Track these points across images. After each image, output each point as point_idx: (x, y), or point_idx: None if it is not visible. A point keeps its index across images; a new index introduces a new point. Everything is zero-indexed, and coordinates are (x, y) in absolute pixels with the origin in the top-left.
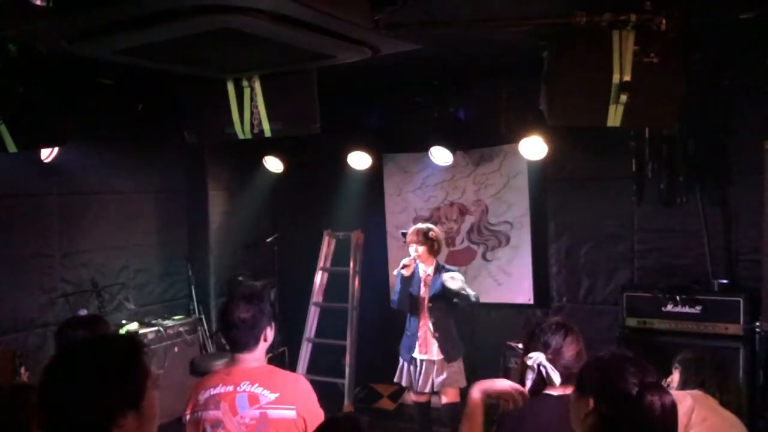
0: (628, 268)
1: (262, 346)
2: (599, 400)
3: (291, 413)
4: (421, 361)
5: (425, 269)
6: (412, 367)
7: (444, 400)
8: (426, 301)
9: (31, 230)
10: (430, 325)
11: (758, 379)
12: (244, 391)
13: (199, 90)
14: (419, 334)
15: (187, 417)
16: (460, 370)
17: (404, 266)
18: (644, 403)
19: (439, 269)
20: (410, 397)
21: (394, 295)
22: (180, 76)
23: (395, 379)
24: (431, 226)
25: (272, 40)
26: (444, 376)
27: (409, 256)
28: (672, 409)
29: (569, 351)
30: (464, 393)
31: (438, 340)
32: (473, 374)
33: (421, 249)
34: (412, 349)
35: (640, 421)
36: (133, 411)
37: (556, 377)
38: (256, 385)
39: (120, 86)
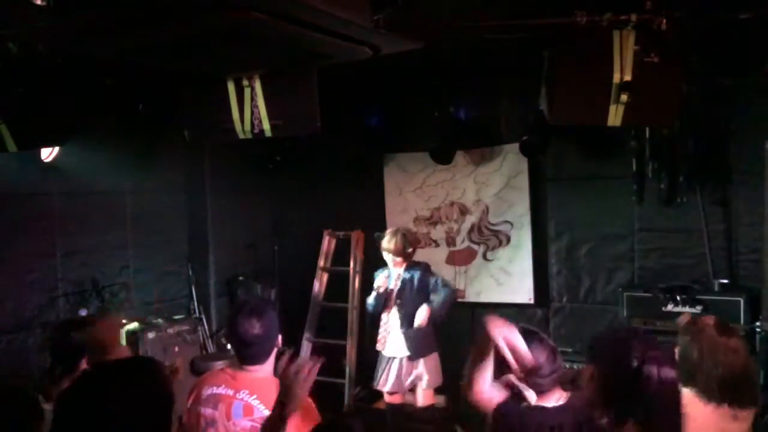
0: (628, 268)
1: (272, 356)
2: (603, 368)
3: None
4: (389, 359)
5: (398, 271)
6: (382, 366)
7: (419, 402)
8: (394, 296)
9: (31, 230)
10: (398, 319)
11: (758, 380)
12: (242, 399)
13: (199, 89)
14: (382, 330)
15: (189, 405)
16: (436, 368)
17: (379, 287)
18: (643, 373)
19: (410, 267)
20: (385, 398)
21: (371, 303)
22: (180, 76)
23: (373, 384)
24: (407, 236)
25: (272, 40)
26: (413, 376)
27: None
28: (672, 382)
29: (539, 358)
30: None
31: (405, 335)
32: None
33: (399, 259)
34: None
35: (639, 389)
36: None
37: (531, 395)
38: (254, 396)
39: (120, 86)
